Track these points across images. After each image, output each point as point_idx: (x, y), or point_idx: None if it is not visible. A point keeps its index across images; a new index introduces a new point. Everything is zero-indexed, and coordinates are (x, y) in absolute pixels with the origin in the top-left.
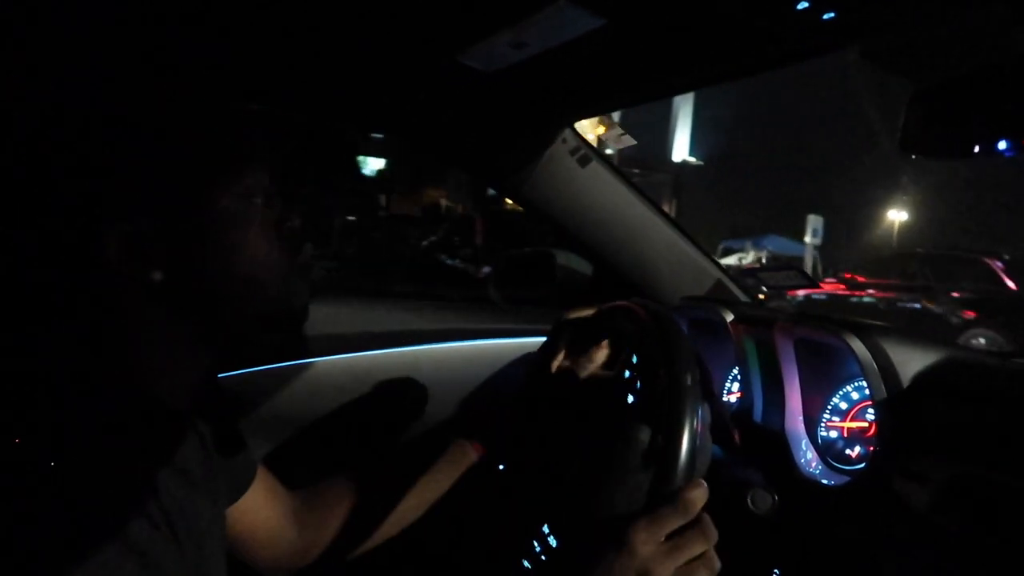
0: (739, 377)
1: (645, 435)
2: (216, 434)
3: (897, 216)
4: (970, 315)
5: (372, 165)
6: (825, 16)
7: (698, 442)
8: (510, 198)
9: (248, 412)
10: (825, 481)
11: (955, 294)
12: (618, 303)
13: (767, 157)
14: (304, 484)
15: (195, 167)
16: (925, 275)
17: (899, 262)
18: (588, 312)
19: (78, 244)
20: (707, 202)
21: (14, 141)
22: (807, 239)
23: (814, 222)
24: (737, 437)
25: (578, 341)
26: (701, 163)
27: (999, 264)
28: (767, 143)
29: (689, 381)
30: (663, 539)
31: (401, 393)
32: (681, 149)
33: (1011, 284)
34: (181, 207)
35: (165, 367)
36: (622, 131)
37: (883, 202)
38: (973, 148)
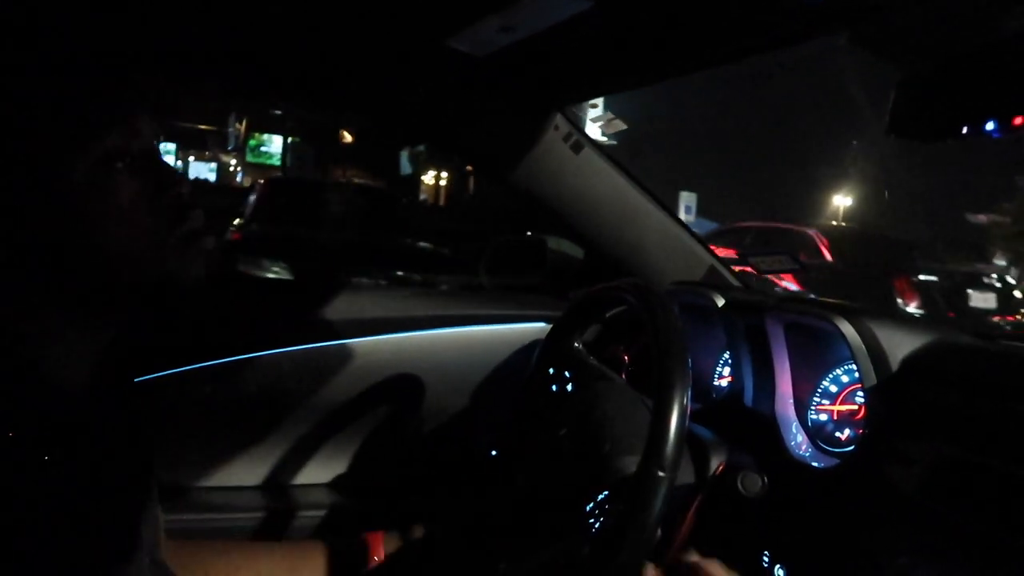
0: (729, 361)
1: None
2: (111, 422)
3: (842, 201)
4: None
5: None
6: (812, 1)
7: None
8: (502, 183)
9: (242, 399)
10: (815, 464)
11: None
12: (617, 285)
13: (699, 139)
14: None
15: (38, 132)
16: (754, 246)
17: (735, 235)
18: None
19: None
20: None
21: None
22: (681, 216)
23: (687, 199)
24: (727, 421)
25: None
26: (615, 143)
27: (819, 236)
28: (698, 124)
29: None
30: None
31: (398, 381)
32: (593, 129)
33: (828, 256)
34: (21, 177)
35: (47, 342)
36: (612, 116)
37: (830, 186)
38: (961, 129)
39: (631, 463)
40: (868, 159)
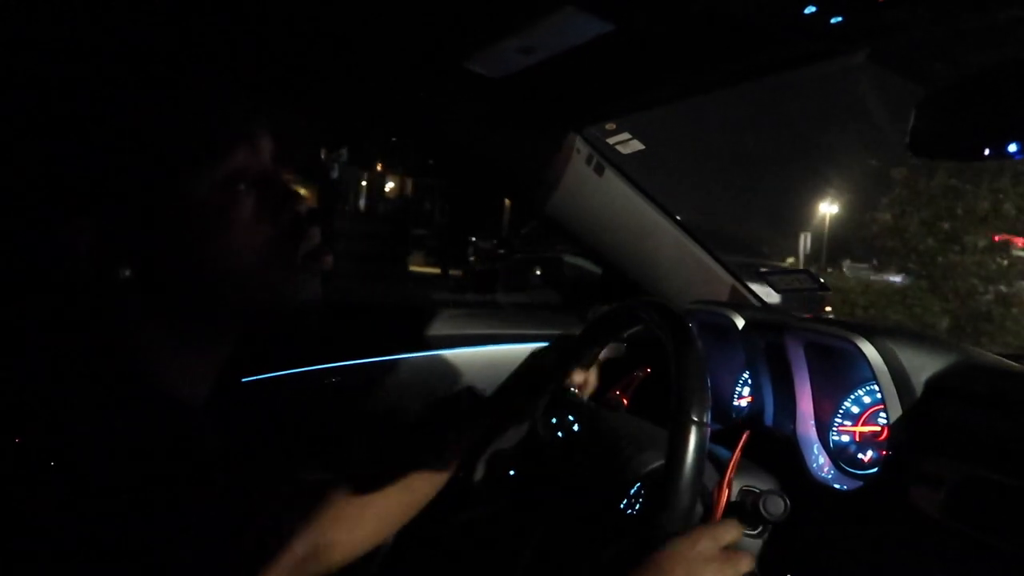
0: (749, 381)
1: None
2: (231, 434)
3: (828, 209)
4: None
5: None
6: (833, 20)
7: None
8: (520, 204)
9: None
10: (837, 486)
11: None
12: (634, 304)
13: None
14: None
15: (164, 155)
16: None
17: None
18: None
19: (48, 244)
20: None
21: None
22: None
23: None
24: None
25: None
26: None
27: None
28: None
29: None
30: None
31: (416, 400)
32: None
33: None
34: (150, 199)
35: (164, 362)
36: (630, 135)
37: (815, 195)
38: (983, 151)
39: (653, 456)
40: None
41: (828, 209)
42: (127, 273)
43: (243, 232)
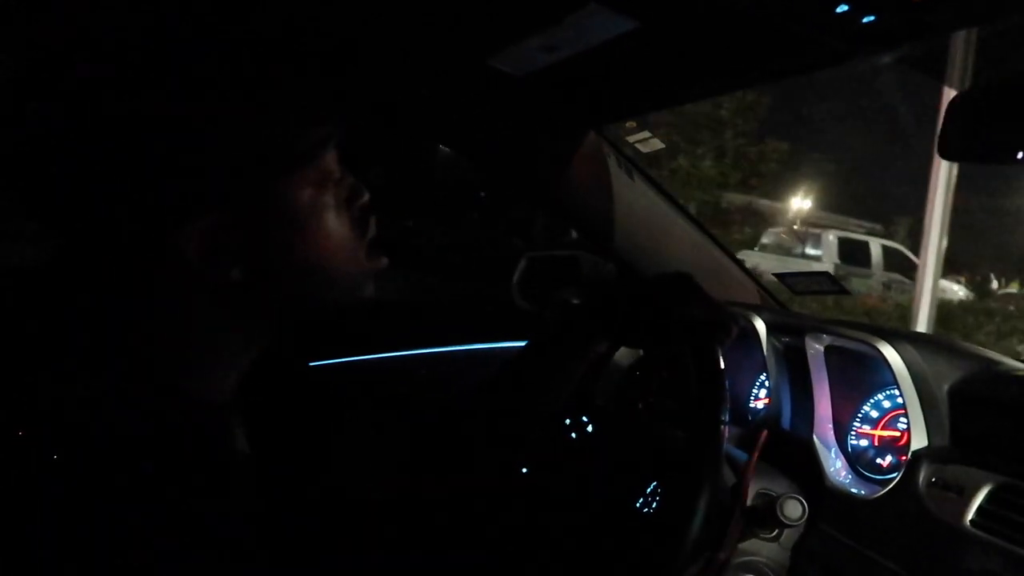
0: (766, 383)
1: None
2: (255, 430)
3: (801, 203)
4: None
5: None
6: (865, 19)
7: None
8: (537, 201)
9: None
10: (855, 491)
11: None
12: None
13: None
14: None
15: (275, 150)
16: None
17: None
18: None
19: (149, 243)
20: None
21: (85, 134)
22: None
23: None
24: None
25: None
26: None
27: None
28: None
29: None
30: None
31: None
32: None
33: None
34: (261, 196)
35: (206, 363)
36: (650, 134)
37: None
38: (1016, 154)
39: (671, 457)
40: None
41: (800, 203)
42: (236, 275)
43: (330, 227)
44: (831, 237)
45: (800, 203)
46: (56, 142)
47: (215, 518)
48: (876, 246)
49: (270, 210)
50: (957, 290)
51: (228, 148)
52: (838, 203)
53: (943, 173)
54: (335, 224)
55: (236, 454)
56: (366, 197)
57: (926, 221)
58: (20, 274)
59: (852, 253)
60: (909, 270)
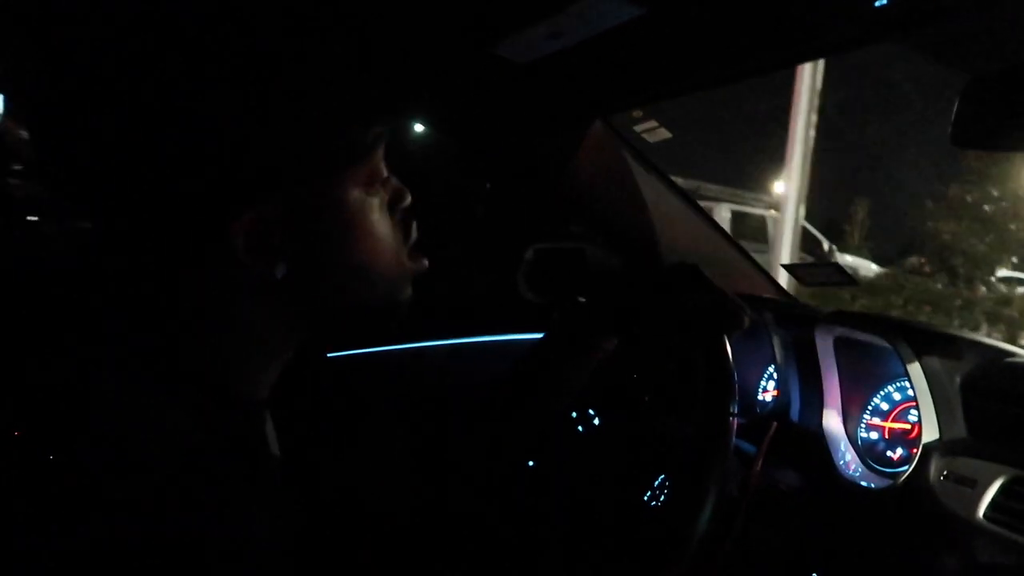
0: (775, 375)
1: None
2: (291, 428)
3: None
4: None
5: None
6: (878, 3)
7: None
8: (542, 191)
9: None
10: (865, 483)
11: None
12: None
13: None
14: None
15: (333, 148)
16: None
17: None
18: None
19: (197, 234)
20: None
21: (139, 120)
22: None
23: None
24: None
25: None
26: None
27: None
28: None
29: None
30: None
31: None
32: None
33: None
34: (311, 193)
35: (244, 360)
36: (657, 123)
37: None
38: None
39: (678, 449)
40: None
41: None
42: (281, 270)
43: (375, 228)
44: (724, 212)
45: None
46: (109, 128)
47: (255, 522)
48: (772, 222)
49: (319, 207)
50: (872, 267)
51: (284, 143)
52: (733, 176)
53: (799, 149)
54: (380, 225)
55: (272, 456)
56: (408, 199)
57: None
58: (60, 271)
59: (747, 227)
60: (815, 247)
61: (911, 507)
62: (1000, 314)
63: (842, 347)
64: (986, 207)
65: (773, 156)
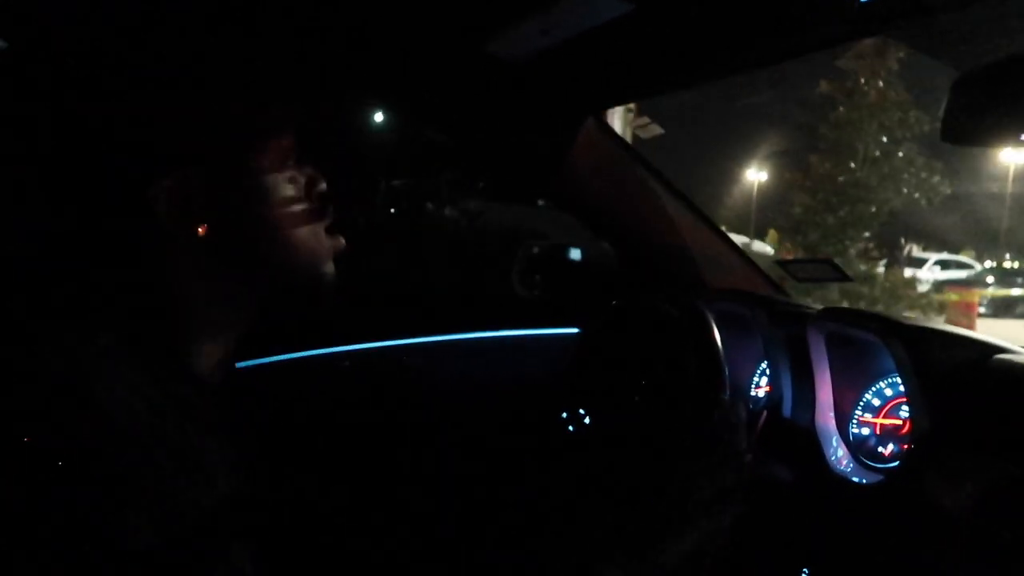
0: (767, 372)
1: None
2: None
3: (757, 176)
4: None
5: None
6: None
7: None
8: (535, 189)
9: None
10: (856, 479)
11: None
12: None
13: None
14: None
15: (234, 121)
16: None
17: None
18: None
19: (127, 196)
20: None
21: (62, 91)
22: None
23: None
24: (764, 431)
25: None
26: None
27: None
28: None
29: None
30: None
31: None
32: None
33: None
34: (223, 161)
35: (202, 334)
36: (649, 120)
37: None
38: (1021, 135)
39: (673, 442)
40: None
41: (756, 177)
42: (200, 232)
43: (289, 201)
44: None
45: None
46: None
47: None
48: None
49: (231, 173)
50: (768, 250)
51: (191, 113)
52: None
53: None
54: (294, 200)
55: (223, 428)
56: (323, 185)
57: None
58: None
59: None
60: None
61: (902, 502)
62: (859, 292)
63: (834, 343)
64: (840, 179)
65: None
